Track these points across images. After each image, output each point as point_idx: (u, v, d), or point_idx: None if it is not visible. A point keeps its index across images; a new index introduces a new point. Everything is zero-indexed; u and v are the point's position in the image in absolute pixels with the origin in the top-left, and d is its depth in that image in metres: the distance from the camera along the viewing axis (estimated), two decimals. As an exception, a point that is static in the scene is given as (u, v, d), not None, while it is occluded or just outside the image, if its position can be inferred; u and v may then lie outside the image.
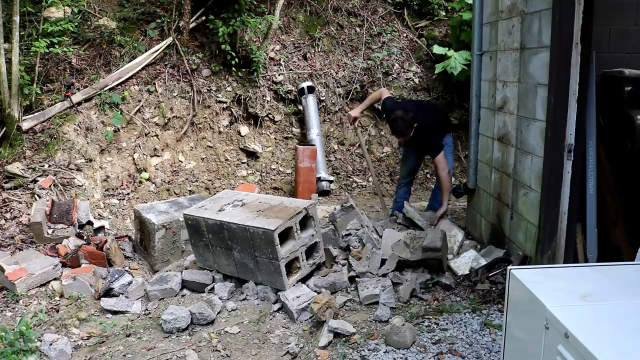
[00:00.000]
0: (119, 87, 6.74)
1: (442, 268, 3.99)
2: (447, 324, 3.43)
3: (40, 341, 3.36)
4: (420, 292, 3.80)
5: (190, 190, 6.85)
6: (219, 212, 4.07)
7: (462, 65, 7.20)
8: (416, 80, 8.04)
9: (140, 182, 6.60)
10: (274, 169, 7.55)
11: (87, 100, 6.46)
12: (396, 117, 4.87)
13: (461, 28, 7.61)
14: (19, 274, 4.23)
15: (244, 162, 7.49)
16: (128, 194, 6.36)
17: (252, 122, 7.64)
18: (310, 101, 7.48)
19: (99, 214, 5.82)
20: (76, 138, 6.16)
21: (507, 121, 4.21)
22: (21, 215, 5.26)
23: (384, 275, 3.93)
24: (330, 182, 7.23)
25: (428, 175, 7.65)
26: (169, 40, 7.16)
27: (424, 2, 8.56)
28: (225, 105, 7.44)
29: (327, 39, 8.20)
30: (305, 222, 4.00)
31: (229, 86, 7.48)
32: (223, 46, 7.16)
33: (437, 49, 7.55)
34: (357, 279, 3.92)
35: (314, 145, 7.08)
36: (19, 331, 3.16)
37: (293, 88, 7.71)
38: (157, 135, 6.92)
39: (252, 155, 7.54)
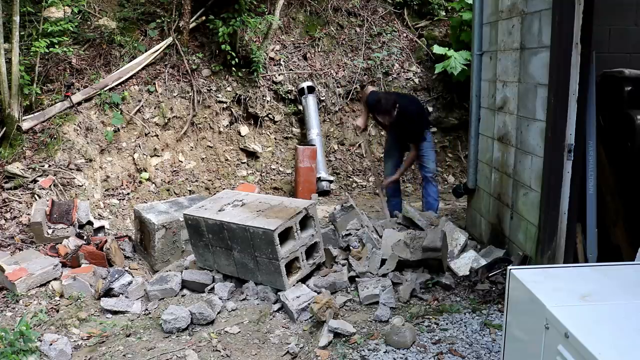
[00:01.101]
0: (119, 87, 6.74)
1: (442, 268, 3.99)
2: (447, 324, 3.43)
3: (40, 341, 3.36)
4: (420, 292, 3.80)
5: (190, 190, 6.85)
6: (219, 212, 4.07)
7: (462, 65, 7.20)
8: (416, 80, 8.04)
9: (140, 182, 6.60)
10: (274, 169, 7.55)
11: (87, 100, 6.46)
12: (379, 99, 5.16)
13: (461, 28, 7.61)
14: (19, 274, 4.23)
15: (244, 162, 7.49)
16: (128, 194, 6.36)
17: (252, 122, 7.64)
18: (310, 101, 7.48)
19: (99, 214, 5.82)
20: (76, 138, 6.16)
21: (507, 121, 4.21)
22: (21, 215, 5.26)
23: (384, 275, 3.93)
24: (330, 182, 7.23)
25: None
26: (169, 40, 7.16)
27: (424, 2, 8.56)
28: (225, 105, 7.44)
29: (327, 39, 8.20)
30: (305, 222, 4.00)
31: (229, 86, 7.48)
32: (223, 46, 7.16)
33: (437, 49, 7.55)
34: (357, 279, 3.92)
35: (314, 145, 7.08)
36: (19, 331, 3.16)
37: (293, 88, 7.71)
38: (157, 135, 6.92)
39: (252, 155, 7.54)
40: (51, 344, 3.34)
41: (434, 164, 5.39)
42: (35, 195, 5.42)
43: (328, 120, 7.84)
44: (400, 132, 5.32)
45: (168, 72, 7.12)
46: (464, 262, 4.12)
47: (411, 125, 5.15)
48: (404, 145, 5.49)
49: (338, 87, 7.91)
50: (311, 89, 7.53)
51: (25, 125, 5.97)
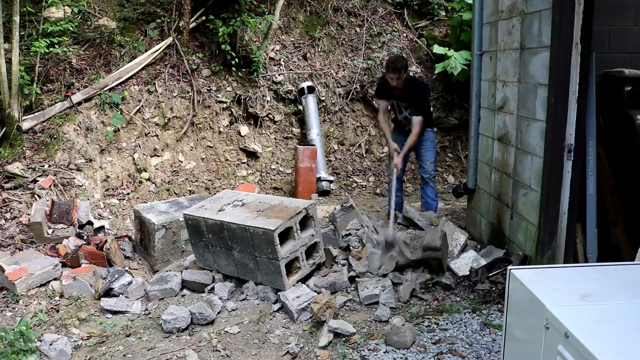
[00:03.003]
0: (119, 87, 6.74)
1: (442, 268, 3.99)
2: (447, 324, 3.43)
3: (40, 341, 3.37)
4: (420, 292, 3.80)
5: (190, 190, 6.85)
6: (219, 212, 4.07)
7: (462, 65, 7.20)
8: (416, 80, 8.03)
9: (140, 182, 6.60)
10: (274, 169, 7.55)
11: (87, 100, 6.46)
12: (396, 57, 5.62)
13: (461, 28, 7.61)
14: (19, 274, 4.23)
15: (244, 162, 7.49)
16: (128, 194, 6.36)
17: (252, 122, 7.64)
18: (310, 101, 7.48)
19: (99, 214, 5.82)
20: (76, 138, 6.16)
21: (507, 121, 4.21)
22: (21, 215, 5.26)
23: (384, 275, 3.93)
24: (330, 182, 7.22)
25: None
26: (169, 40, 7.16)
27: (424, 2, 8.56)
28: (225, 105, 7.44)
29: (327, 39, 8.20)
30: (305, 222, 4.00)
31: (229, 86, 7.48)
32: (223, 46, 7.16)
33: (437, 49, 7.54)
34: (357, 279, 3.92)
35: (314, 145, 7.07)
36: (19, 331, 3.16)
37: (293, 88, 7.71)
38: (157, 135, 6.92)
39: (252, 155, 7.54)
40: (51, 344, 3.34)
41: (433, 165, 5.35)
42: (35, 195, 5.42)
43: (328, 120, 7.84)
44: (407, 100, 5.17)
45: (168, 72, 7.11)
46: (464, 262, 4.12)
47: (418, 93, 5.16)
48: (408, 103, 5.29)
49: (338, 87, 7.91)
50: (311, 89, 7.53)
51: (25, 125, 5.97)
